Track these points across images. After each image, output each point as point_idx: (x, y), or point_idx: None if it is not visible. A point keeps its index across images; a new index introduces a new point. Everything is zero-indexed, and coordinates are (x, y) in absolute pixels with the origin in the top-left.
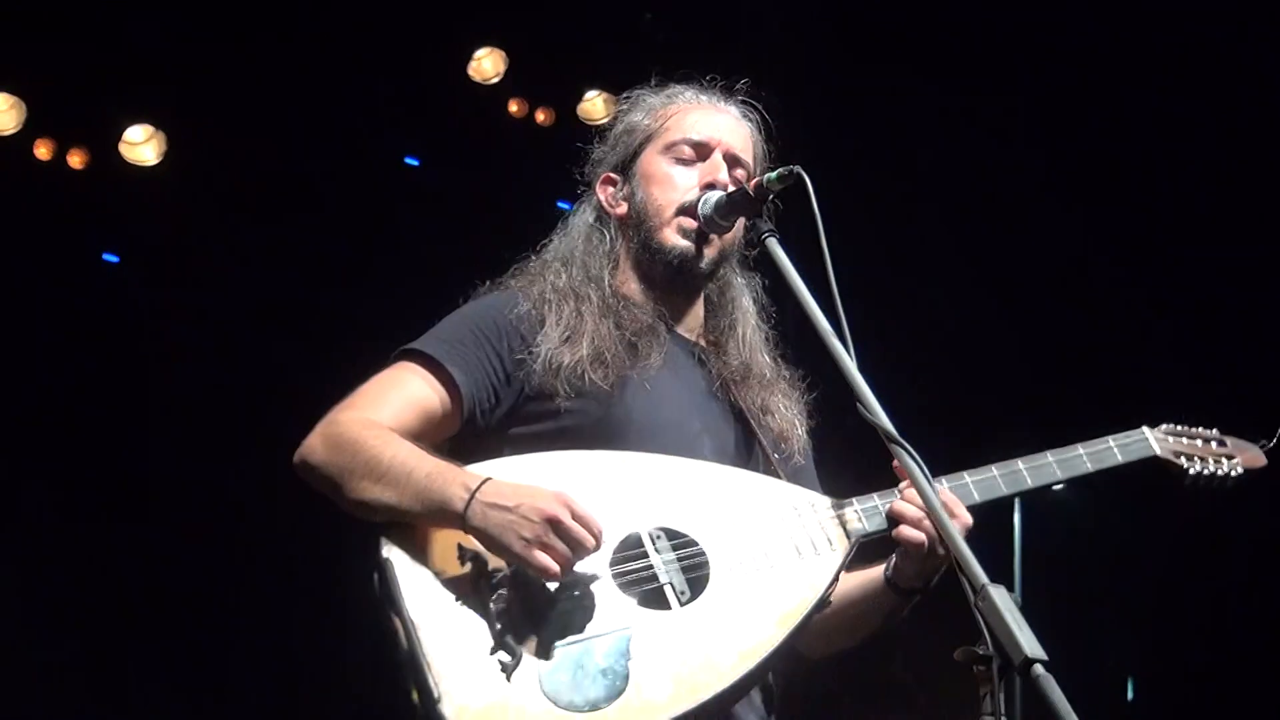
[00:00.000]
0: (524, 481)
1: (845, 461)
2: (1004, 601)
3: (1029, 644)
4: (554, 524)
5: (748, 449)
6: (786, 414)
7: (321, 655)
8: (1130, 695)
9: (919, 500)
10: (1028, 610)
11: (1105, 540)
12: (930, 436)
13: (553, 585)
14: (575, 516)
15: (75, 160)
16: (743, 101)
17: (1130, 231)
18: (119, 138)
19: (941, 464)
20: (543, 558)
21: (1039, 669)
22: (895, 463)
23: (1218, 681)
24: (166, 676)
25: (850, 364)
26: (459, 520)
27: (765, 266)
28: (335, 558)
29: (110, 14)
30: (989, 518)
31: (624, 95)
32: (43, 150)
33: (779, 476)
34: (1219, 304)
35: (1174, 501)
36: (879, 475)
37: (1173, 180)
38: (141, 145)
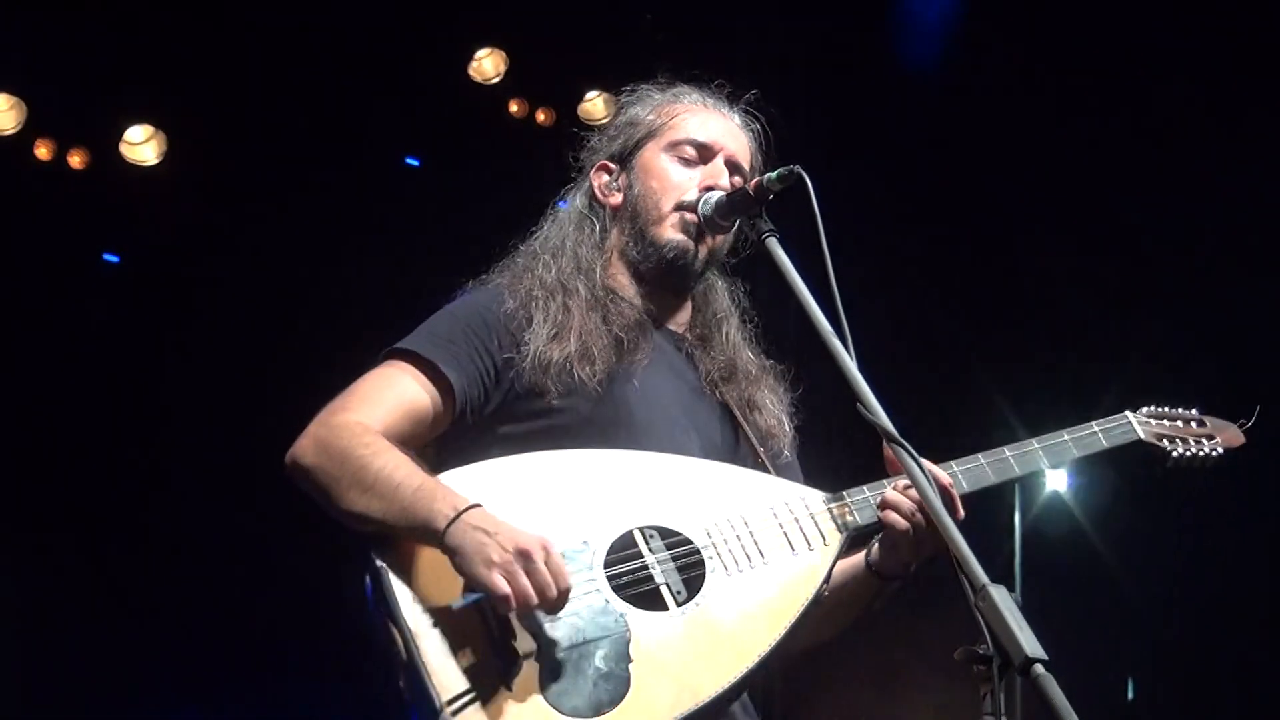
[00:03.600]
0: (517, 482)
1: (833, 456)
2: (1004, 601)
3: (1029, 644)
4: (525, 558)
5: (735, 444)
6: (773, 410)
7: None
8: (1130, 695)
9: (912, 493)
10: (1028, 610)
11: (1105, 540)
12: (925, 442)
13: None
14: (548, 561)
15: (75, 160)
16: (745, 110)
17: (1122, 220)
18: (119, 138)
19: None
20: (501, 582)
21: (1039, 669)
22: (887, 451)
23: (1218, 681)
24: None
25: (850, 364)
26: (438, 536)
27: (761, 268)
28: (337, 558)
29: (110, 14)
30: (989, 518)
31: (628, 88)
32: (43, 150)
33: (768, 471)
34: (1202, 286)
35: (1174, 501)
36: (870, 468)
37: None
38: (142, 145)
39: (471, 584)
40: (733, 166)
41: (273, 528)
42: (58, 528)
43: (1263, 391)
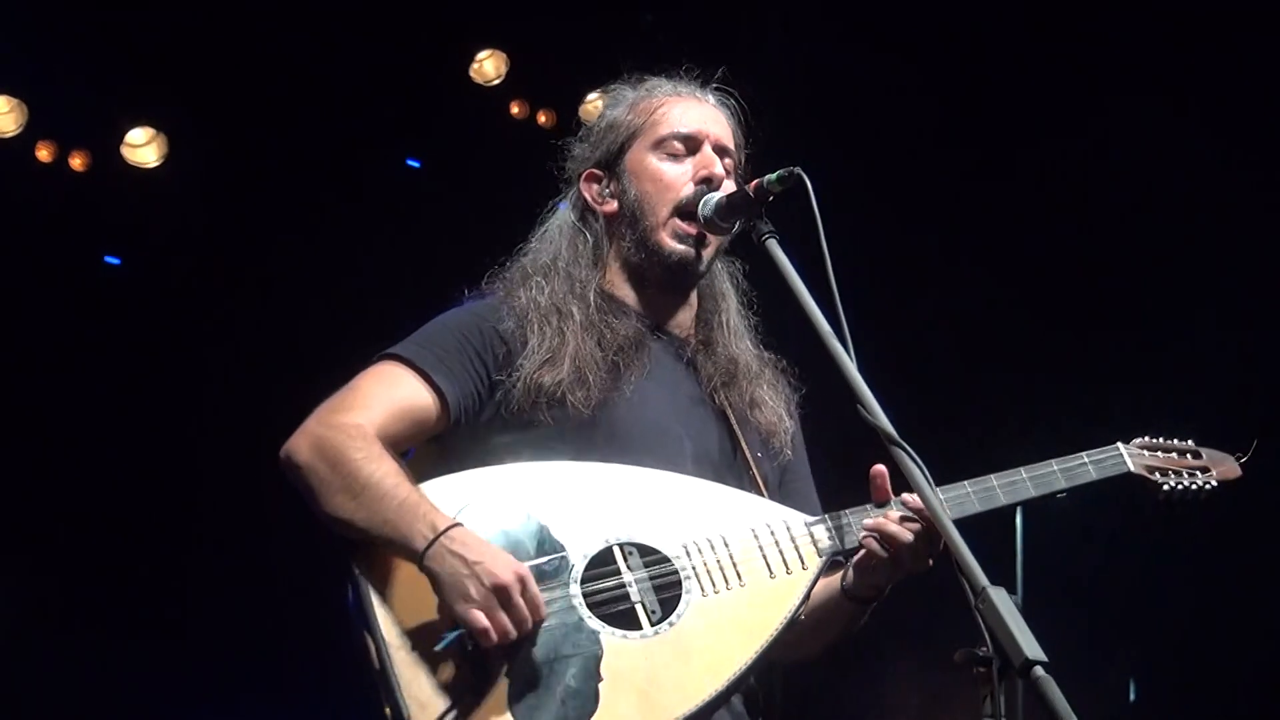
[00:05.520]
0: (499, 493)
1: (831, 460)
2: (1004, 603)
3: (1029, 645)
4: (502, 593)
5: (731, 455)
6: (774, 405)
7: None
8: (1131, 697)
9: (900, 526)
10: (1028, 612)
11: (1106, 541)
12: (925, 442)
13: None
14: (525, 594)
15: (77, 162)
16: (716, 89)
17: (1126, 240)
18: (120, 140)
19: (935, 469)
20: (480, 618)
21: (1039, 670)
22: (875, 479)
23: (1219, 683)
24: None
25: (850, 365)
26: (417, 557)
27: (758, 262)
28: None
29: (111, 15)
30: (990, 519)
31: (601, 89)
32: (44, 153)
33: (760, 483)
34: (1205, 315)
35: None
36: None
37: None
38: (143, 147)
39: (451, 616)
40: (720, 151)
41: (276, 529)
42: (57, 531)
43: (1261, 422)
